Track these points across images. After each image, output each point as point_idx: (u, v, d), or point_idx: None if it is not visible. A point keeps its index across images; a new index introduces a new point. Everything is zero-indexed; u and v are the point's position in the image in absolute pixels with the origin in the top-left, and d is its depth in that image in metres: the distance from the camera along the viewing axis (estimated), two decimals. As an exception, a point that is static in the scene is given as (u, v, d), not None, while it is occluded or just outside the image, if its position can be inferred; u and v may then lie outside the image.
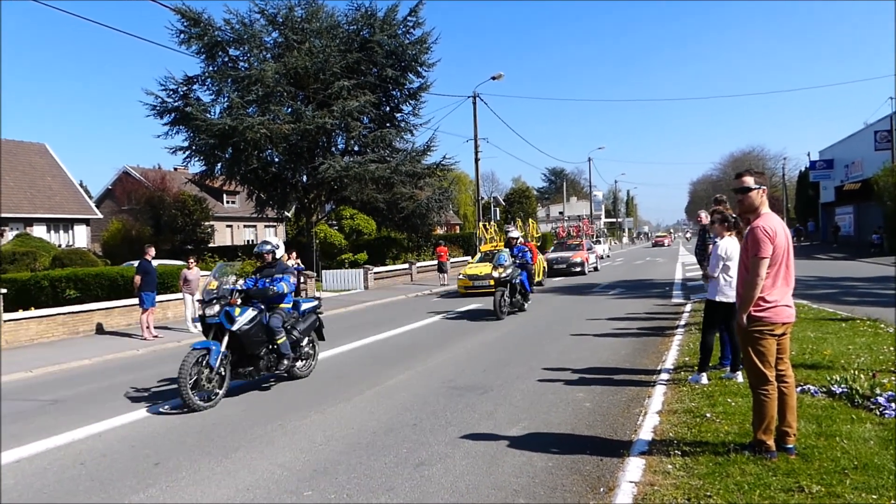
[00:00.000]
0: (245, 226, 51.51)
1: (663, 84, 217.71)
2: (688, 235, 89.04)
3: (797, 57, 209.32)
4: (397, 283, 28.32)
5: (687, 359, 8.21)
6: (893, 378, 6.20)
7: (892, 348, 7.84)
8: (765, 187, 4.55)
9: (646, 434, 5.27)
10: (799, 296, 13.06)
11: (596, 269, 31.08)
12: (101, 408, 7.60)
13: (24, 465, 5.60)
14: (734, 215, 7.48)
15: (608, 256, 48.23)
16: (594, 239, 47.80)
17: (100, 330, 15.10)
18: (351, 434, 6.01)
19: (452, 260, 34.97)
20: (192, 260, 15.21)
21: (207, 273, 18.15)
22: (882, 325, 9.66)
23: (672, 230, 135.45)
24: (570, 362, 8.92)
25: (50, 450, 6.00)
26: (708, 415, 5.53)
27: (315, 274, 23.86)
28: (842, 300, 14.10)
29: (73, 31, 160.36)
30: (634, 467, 4.53)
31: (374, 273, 27.00)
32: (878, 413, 5.25)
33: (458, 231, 60.06)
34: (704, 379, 6.84)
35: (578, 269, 27.91)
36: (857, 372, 6.27)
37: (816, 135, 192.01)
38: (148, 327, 13.62)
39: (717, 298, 6.91)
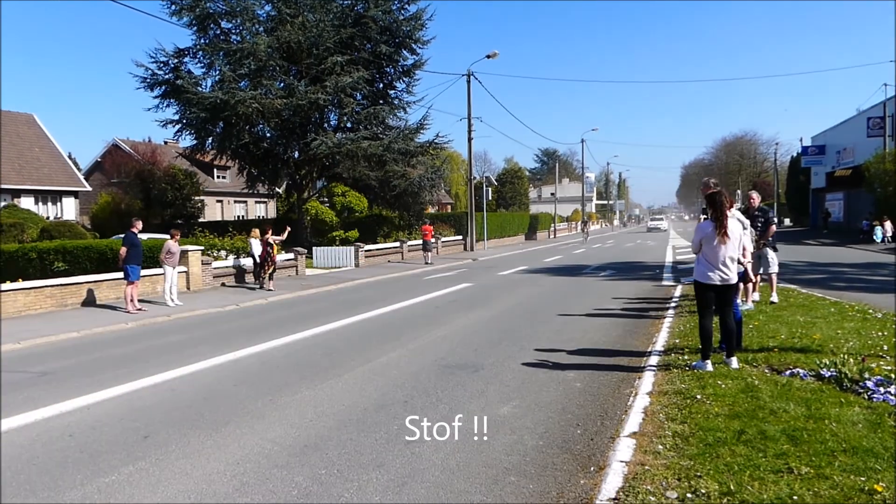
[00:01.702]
0: (236, 201, 51.12)
1: (657, 66, 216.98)
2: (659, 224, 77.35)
3: (791, 42, 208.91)
4: (388, 262, 28.29)
5: (677, 341, 8.25)
6: (882, 362, 6.25)
7: (880, 333, 7.91)
8: None
9: (636, 414, 5.29)
10: (788, 280, 13.16)
11: None
12: (90, 380, 7.55)
13: (12, 435, 5.56)
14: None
15: None
16: None
17: (89, 303, 14.99)
18: (342, 410, 6.00)
19: (444, 239, 34.96)
20: (176, 233, 15.16)
21: (196, 248, 18.10)
22: (870, 311, 9.74)
23: (640, 215, 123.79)
24: (561, 343, 8.94)
25: (38, 421, 5.97)
26: (698, 396, 5.55)
27: (305, 250, 23.76)
28: (831, 285, 14.20)
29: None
30: (625, 447, 4.54)
31: (365, 251, 26.93)
32: (866, 397, 5.29)
33: (449, 210, 59.96)
34: (709, 366, 6.51)
35: None
36: (846, 356, 6.32)
37: (809, 120, 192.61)
38: (132, 300, 13.54)
39: (698, 279, 6.69)
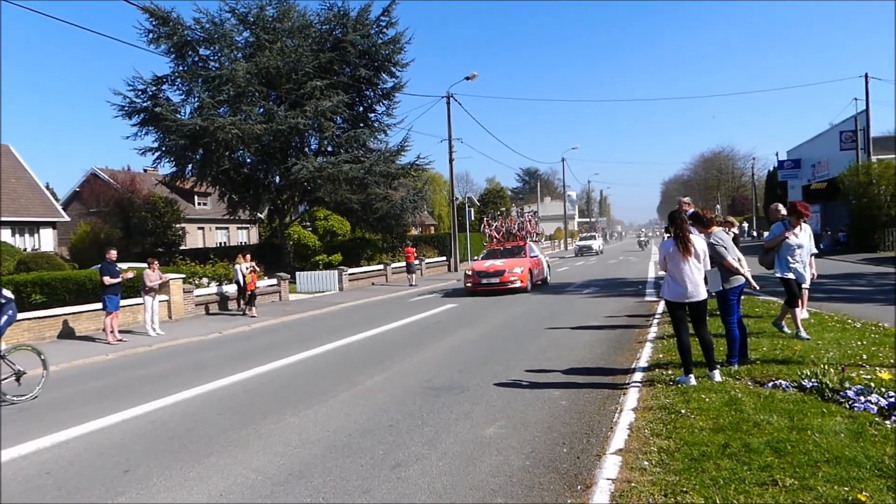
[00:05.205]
0: (217, 228, 50.86)
1: (635, 85, 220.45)
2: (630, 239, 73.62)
3: (766, 58, 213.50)
4: (372, 284, 28.20)
5: (661, 356, 8.27)
6: (862, 371, 6.31)
7: (859, 342, 7.99)
8: None
9: (622, 431, 5.28)
10: (768, 293, 13.27)
11: None
12: (69, 414, 7.41)
13: (-13, 474, 5.43)
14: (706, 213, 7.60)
15: None
16: None
17: (68, 335, 14.76)
18: (327, 436, 5.93)
19: (428, 261, 34.94)
20: (154, 262, 15.02)
21: (177, 276, 17.94)
22: (849, 321, 9.85)
23: (621, 232, 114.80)
24: (546, 361, 8.94)
25: (14, 459, 5.83)
26: (683, 411, 5.56)
27: (288, 276, 23.61)
28: (810, 296, 14.32)
29: (39, 28, 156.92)
30: (611, 464, 4.53)
31: (349, 274, 26.85)
32: (847, 406, 5.33)
33: (432, 232, 60.04)
34: (693, 380, 6.55)
35: None
36: (826, 366, 6.37)
37: (784, 135, 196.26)
38: (112, 331, 13.36)
39: (666, 297, 6.79)
